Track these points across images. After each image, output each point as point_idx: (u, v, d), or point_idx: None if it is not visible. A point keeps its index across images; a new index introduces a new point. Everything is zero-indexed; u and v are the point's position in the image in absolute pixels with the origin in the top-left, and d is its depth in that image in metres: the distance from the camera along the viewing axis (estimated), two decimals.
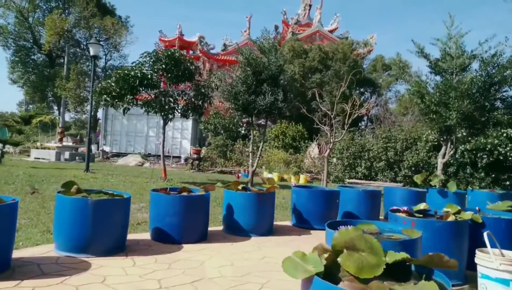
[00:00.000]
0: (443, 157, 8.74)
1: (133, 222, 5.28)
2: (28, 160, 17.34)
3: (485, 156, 13.28)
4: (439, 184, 7.50)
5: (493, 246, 2.78)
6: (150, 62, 10.72)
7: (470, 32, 8.52)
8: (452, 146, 8.57)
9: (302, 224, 5.73)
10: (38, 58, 32.64)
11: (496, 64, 7.93)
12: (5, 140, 14.61)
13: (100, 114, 23.17)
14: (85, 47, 30.75)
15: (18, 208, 3.49)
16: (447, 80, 8.06)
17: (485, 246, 2.78)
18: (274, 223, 5.59)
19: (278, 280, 3.42)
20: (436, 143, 14.49)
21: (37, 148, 20.18)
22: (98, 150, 22.07)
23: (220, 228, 5.42)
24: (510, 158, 12.67)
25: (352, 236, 1.96)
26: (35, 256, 3.64)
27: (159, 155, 20.17)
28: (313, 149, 17.74)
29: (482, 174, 13.26)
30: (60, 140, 23.30)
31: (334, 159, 16.09)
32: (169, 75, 10.59)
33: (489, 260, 2.76)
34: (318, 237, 5.25)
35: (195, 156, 18.00)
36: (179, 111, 11.12)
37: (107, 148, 21.97)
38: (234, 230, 5.04)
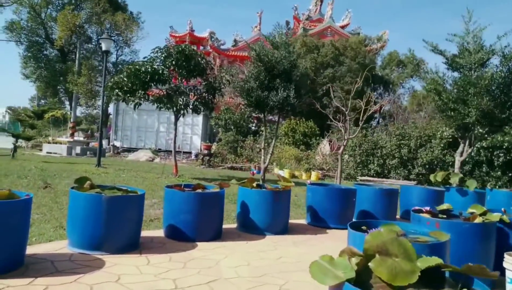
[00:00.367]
0: (461, 155, 8.52)
1: (146, 219, 5.20)
2: (40, 154, 17.46)
3: (502, 154, 12.97)
4: (457, 183, 7.30)
5: None
6: (162, 58, 10.64)
7: (488, 26, 8.28)
8: (470, 144, 8.34)
9: (318, 223, 5.60)
10: (50, 53, 32.89)
11: None
12: (18, 135, 14.68)
13: (111, 109, 23.20)
14: (96, 43, 30.89)
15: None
16: (465, 76, 7.82)
17: None
18: (289, 221, 5.47)
19: (297, 282, 3.31)
20: (451, 140, 14.20)
21: (49, 142, 20.32)
22: (108, 145, 22.15)
23: (234, 225, 5.32)
24: None
25: (385, 239, 1.83)
26: (48, 252, 3.58)
27: (170, 151, 20.24)
28: (324, 146, 17.55)
29: (499, 172, 12.95)
30: (72, 134, 23.44)
31: (346, 156, 15.89)
32: (180, 70, 10.50)
33: None
34: (334, 237, 5.13)
35: (206, 152, 17.93)
36: (191, 107, 11.04)
37: (117, 143, 22.05)
38: (249, 228, 4.94)
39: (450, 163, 14.01)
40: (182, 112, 10.93)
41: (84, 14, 29.69)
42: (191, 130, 21.50)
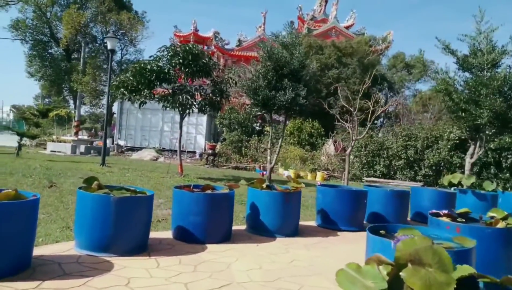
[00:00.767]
0: (471, 157, 8.38)
1: (153, 219, 5.07)
2: (45, 152, 17.42)
3: (510, 155, 12.83)
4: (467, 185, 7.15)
5: None
6: (168, 56, 10.55)
7: (501, 27, 8.13)
8: (481, 145, 8.20)
9: (328, 225, 5.48)
10: (55, 52, 32.88)
11: None
12: (23, 133, 14.62)
13: (115, 108, 23.14)
14: (101, 42, 30.87)
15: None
16: (477, 76, 7.68)
17: None
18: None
19: (312, 287, 3.20)
20: (458, 141, 14.04)
21: (53, 141, 20.28)
22: (113, 144, 22.10)
23: (243, 227, 5.21)
24: None
25: (418, 247, 1.72)
26: (55, 254, 3.49)
27: (174, 150, 20.14)
28: (329, 146, 17.41)
29: (507, 174, 12.79)
30: (76, 133, 23.41)
31: (352, 157, 15.74)
32: (187, 70, 10.40)
33: None
34: (346, 239, 5.02)
35: (210, 151, 17.83)
36: (197, 106, 10.94)
37: (121, 142, 21.98)
38: (259, 230, 4.83)
39: (457, 165, 13.85)
40: (187, 111, 10.84)
41: (89, 13, 29.67)
42: (195, 129, 21.42)
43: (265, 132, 19.28)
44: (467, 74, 8.12)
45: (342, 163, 15.64)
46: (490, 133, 8.33)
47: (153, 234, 4.36)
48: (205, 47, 30.96)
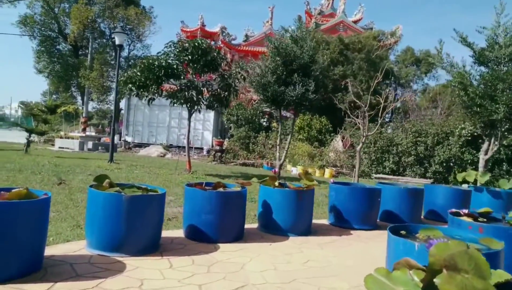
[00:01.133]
0: (486, 154, 8.20)
1: (164, 218, 5.03)
2: (53, 149, 17.47)
3: None
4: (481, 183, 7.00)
5: None
6: (176, 52, 10.45)
7: None
8: (496, 142, 8.02)
9: (341, 224, 5.37)
10: (63, 48, 33.00)
11: None
12: (31, 129, 14.66)
13: (122, 104, 23.14)
14: (109, 37, 30.87)
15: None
16: (494, 70, 7.49)
17: None
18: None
19: (330, 289, 3.11)
20: (469, 138, 13.82)
21: (61, 137, 20.35)
22: (120, 140, 22.12)
23: (254, 225, 5.13)
24: None
25: (453, 252, 1.61)
26: (67, 254, 3.43)
27: (181, 146, 20.11)
28: (337, 142, 17.25)
29: None
30: (84, 130, 23.46)
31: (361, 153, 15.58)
32: (195, 65, 10.29)
33: None
34: (360, 238, 4.91)
35: (218, 147, 17.76)
36: (205, 103, 10.85)
37: (129, 139, 22.00)
38: (271, 229, 4.74)
39: (469, 161, 13.64)
40: (196, 107, 10.75)
41: (97, 9, 29.67)
42: (203, 125, 21.36)
43: (273, 128, 19.15)
44: (483, 68, 7.93)
45: (351, 159, 15.48)
46: (504, 129, 8.15)
47: (164, 233, 4.28)
48: (212, 42, 30.84)
